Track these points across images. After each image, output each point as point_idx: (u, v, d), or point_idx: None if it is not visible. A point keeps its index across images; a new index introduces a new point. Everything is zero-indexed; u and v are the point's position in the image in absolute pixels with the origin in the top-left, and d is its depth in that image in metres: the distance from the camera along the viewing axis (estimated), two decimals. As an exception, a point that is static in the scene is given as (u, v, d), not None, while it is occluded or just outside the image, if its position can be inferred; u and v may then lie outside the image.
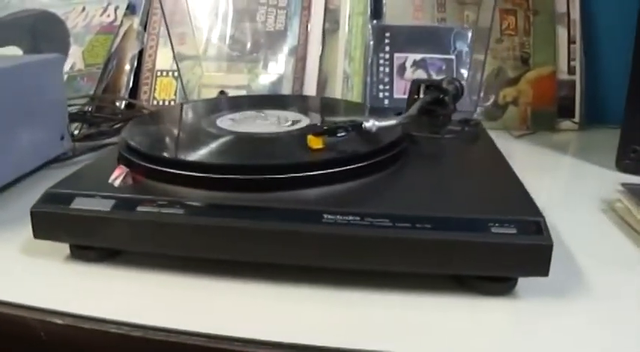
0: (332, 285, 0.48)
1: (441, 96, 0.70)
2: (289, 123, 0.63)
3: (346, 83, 0.98)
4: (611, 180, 0.72)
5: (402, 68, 0.98)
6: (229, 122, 0.64)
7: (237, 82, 0.98)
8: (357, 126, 0.55)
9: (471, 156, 0.63)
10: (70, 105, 0.91)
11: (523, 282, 0.48)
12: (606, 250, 0.56)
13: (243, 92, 0.97)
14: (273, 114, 0.66)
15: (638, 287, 0.49)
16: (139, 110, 0.98)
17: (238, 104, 0.74)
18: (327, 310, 0.46)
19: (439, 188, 0.53)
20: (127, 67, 1.02)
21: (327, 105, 0.79)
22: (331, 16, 1.00)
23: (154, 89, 1.01)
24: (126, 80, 1.02)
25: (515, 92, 0.99)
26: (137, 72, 1.03)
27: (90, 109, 0.95)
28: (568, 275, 0.50)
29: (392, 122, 0.58)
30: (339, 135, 0.54)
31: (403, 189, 0.53)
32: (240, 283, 0.48)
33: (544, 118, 0.98)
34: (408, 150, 0.60)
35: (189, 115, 0.72)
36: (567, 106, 0.99)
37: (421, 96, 0.72)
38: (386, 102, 0.98)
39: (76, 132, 0.88)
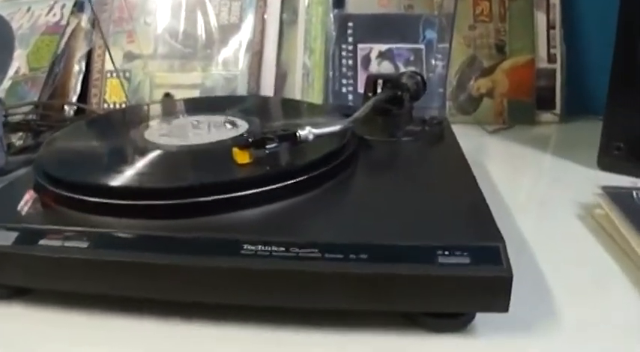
0: (259, 324, 0.41)
1: (398, 93, 0.62)
2: (223, 131, 0.55)
3: (306, 78, 0.90)
4: (592, 181, 0.64)
5: (367, 60, 0.90)
6: (158, 133, 0.56)
7: (190, 81, 0.90)
8: (290, 136, 0.47)
9: (429, 164, 0.55)
10: (11, 115, 0.84)
11: (482, 315, 0.40)
12: (582, 269, 0.48)
13: (196, 92, 0.89)
14: (209, 121, 0.58)
15: (617, 322, 0.41)
16: (89, 115, 0.90)
17: (177, 109, 0.66)
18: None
19: (383, 207, 0.45)
20: (76, 69, 0.94)
21: (275, 107, 0.71)
22: (289, 6, 0.91)
23: (104, 92, 0.93)
24: (74, 83, 0.93)
25: (490, 83, 0.91)
26: (86, 74, 0.95)
27: (34, 117, 0.87)
28: (536, 304, 0.43)
29: (333, 129, 0.50)
30: (268, 147, 0.46)
31: (340, 210, 0.45)
32: (159, 322, 0.41)
33: (522, 111, 0.90)
34: (353, 160, 0.52)
35: (117, 126, 0.64)
36: (547, 97, 0.91)
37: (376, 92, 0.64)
38: (350, 97, 0.90)
39: (19, 143, 0.80)
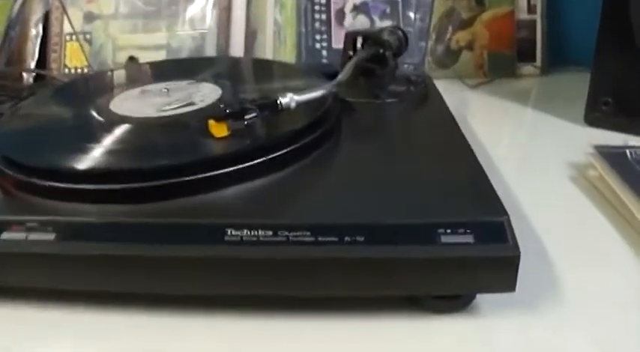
0: (248, 313, 0.37)
1: (381, 51, 0.58)
2: (196, 99, 0.51)
3: (278, 35, 0.85)
4: (580, 138, 0.62)
5: (341, 14, 0.85)
6: (125, 104, 0.51)
7: (155, 42, 0.84)
8: (271, 105, 0.43)
9: (418, 129, 0.52)
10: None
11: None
12: (580, 236, 0.46)
13: (162, 53, 0.83)
14: (178, 87, 0.53)
15: (620, 289, 0.39)
16: (49, 82, 0.84)
17: (143, 75, 0.61)
18: (249, 345, 0.35)
19: (375, 180, 0.41)
20: (33, 33, 0.87)
21: (248, 69, 0.66)
22: (257, -42, 0.85)
23: (64, 56, 0.87)
24: (32, 48, 0.87)
25: (470, 35, 0.87)
26: (44, 38, 0.88)
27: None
28: (536, 276, 0.40)
29: (316, 94, 0.46)
30: (247, 118, 0.42)
31: (329, 185, 0.42)
32: (141, 314, 0.38)
33: (502, 63, 0.87)
34: (337, 127, 0.48)
35: (79, 98, 0.58)
36: (527, 49, 0.87)
37: (357, 51, 0.60)
38: (324, 53, 0.85)
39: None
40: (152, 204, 0.38)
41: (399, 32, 0.61)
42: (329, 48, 0.85)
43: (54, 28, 0.88)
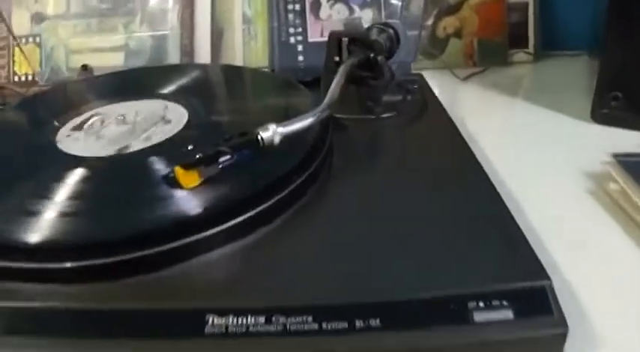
0: None
1: (371, 55, 0.50)
2: (158, 128, 0.42)
3: (248, 31, 0.76)
4: (590, 138, 0.55)
5: (317, 4, 0.77)
6: (74, 137, 0.43)
7: (112, 43, 0.75)
8: (251, 143, 0.35)
9: (421, 151, 0.44)
10: None
11: None
12: (610, 268, 0.39)
13: (120, 56, 0.74)
14: (136, 111, 0.45)
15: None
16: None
17: (97, 91, 0.52)
18: None
19: (383, 233, 0.34)
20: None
21: (218, 81, 0.58)
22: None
23: (13, 62, 0.77)
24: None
25: (458, 21, 0.80)
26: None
27: None
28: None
29: (304, 123, 0.38)
30: (221, 160, 0.34)
31: (328, 246, 0.34)
32: None
33: (493, 51, 0.79)
34: (329, 159, 0.41)
35: (20, 126, 0.49)
36: (519, 34, 0.80)
37: (343, 55, 0.52)
38: (299, 48, 0.77)
39: None
40: (106, 283, 0.31)
41: (390, 30, 0.53)
42: (304, 41, 0.77)
43: (-1, 31, 0.78)
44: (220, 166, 0.34)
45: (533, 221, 0.42)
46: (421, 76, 0.57)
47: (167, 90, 0.49)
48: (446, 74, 0.77)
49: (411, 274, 0.30)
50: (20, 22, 0.77)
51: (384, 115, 0.48)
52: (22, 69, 0.77)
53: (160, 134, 0.41)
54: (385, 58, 0.51)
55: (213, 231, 0.33)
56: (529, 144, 0.59)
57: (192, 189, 0.34)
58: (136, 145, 0.40)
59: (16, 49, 0.77)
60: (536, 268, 0.30)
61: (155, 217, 0.33)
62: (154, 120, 0.43)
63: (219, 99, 0.50)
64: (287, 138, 0.37)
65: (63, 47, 0.74)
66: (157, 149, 0.40)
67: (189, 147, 0.35)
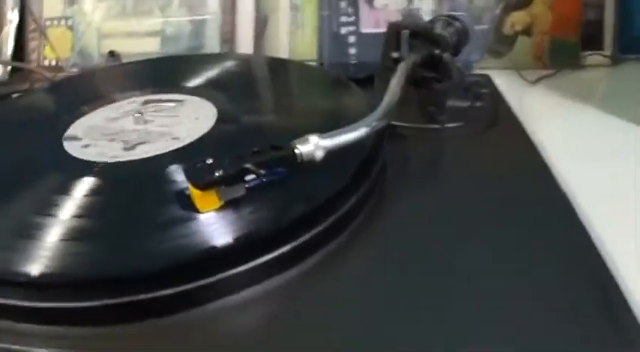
0: None
1: (436, 51, 0.41)
2: (181, 130, 0.35)
3: (294, 19, 0.68)
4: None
5: (372, -9, 0.68)
6: (83, 141, 0.35)
7: (147, 28, 0.68)
8: (285, 158, 0.27)
9: (493, 173, 0.36)
10: None
11: None
12: None
13: (155, 41, 0.67)
14: (157, 108, 0.37)
15: None
16: (27, 76, 0.68)
17: (121, 80, 0.45)
18: None
19: (441, 267, 0.26)
20: (9, 19, 0.71)
21: (257, 76, 0.49)
22: None
23: (44, 45, 0.70)
24: (7, 36, 0.71)
25: (528, 17, 0.70)
26: (21, 25, 0.72)
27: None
28: None
29: (355, 134, 0.30)
30: (248, 179, 0.26)
31: (381, 282, 0.26)
32: None
33: (565, 52, 0.69)
34: (382, 179, 0.33)
35: (28, 123, 0.42)
36: (593, 34, 0.69)
37: (403, 50, 0.44)
38: (351, 39, 0.68)
39: None
40: (114, 326, 0.23)
41: (457, 23, 0.45)
42: (357, 33, 0.68)
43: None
44: (247, 186, 0.26)
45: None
46: (488, 77, 0.48)
47: (196, 83, 0.41)
48: (512, 75, 0.67)
49: (484, 327, 0.22)
50: (52, 4, 0.70)
51: (449, 125, 0.39)
52: (53, 53, 0.70)
53: (184, 136, 0.34)
54: (452, 56, 0.42)
55: (244, 267, 0.25)
56: (604, 159, 0.50)
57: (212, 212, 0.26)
58: (153, 149, 0.33)
59: (48, 31, 0.70)
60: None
61: (173, 249, 0.25)
62: (178, 119, 0.36)
63: (254, 98, 0.42)
64: (334, 153, 0.29)
65: (95, 31, 0.67)
66: (179, 155, 0.32)
67: (209, 161, 0.27)
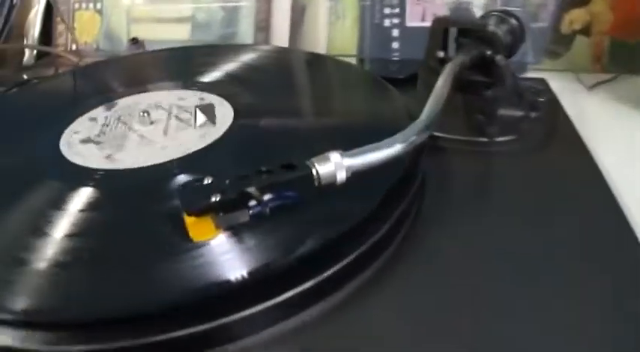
0: None
1: (488, 53, 0.36)
2: (188, 133, 0.30)
3: (334, 9, 0.63)
4: None
5: (419, -18, 0.62)
6: (82, 138, 0.31)
7: (178, 13, 0.63)
8: (301, 179, 0.22)
9: (548, 192, 0.30)
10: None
11: None
12: None
13: (186, 28, 0.62)
14: (169, 104, 0.33)
15: None
16: (55, 61, 0.65)
17: (135, 72, 0.40)
18: None
19: (492, 309, 0.21)
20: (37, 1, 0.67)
21: (287, 72, 0.44)
22: None
23: (73, 28, 0.67)
24: (35, 20, 0.67)
25: (588, 16, 0.63)
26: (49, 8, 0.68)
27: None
28: None
29: (388, 152, 0.24)
30: (251, 205, 0.21)
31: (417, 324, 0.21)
32: None
33: (626, 55, 0.62)
34: (419, 200, 0.27)
35: (30, 117, 0.38)
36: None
37: (450, 49, 0.38)
38: (394, 33, 0.63)
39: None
40: None
41: (512, 20, 0.39)
42: (401, 26, 0.63)
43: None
44: (251, 213, 0.22)
45: None
46: (545, 83, 0.42)
47: (215, 78, 0.36)
48: (567, 78, 0.61)
49: None
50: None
51: (500, 138, 0.34)
52: (82, 37, 0.66)
53: (194, 140, 0.29)
54: (505, 58, 0.36)
55: (258, 308, 0.20)
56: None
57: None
58: (157, 155, 0.28)
59: (77, 15, 0.66)
60: None
61: (176, 285, 0.21)
62: (188, 120, 0.31)
63: (278, 98, 0.37)
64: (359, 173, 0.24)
65: (124, 15, 0.63)
66: (186, 163, 0.27)
67: (207, 181, 0.22)
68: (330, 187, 0.23)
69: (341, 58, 0.50)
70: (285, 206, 0.23)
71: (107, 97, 0.36)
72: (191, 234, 0.22)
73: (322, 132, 0.31)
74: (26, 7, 0.68)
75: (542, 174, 0.32)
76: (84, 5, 0.66)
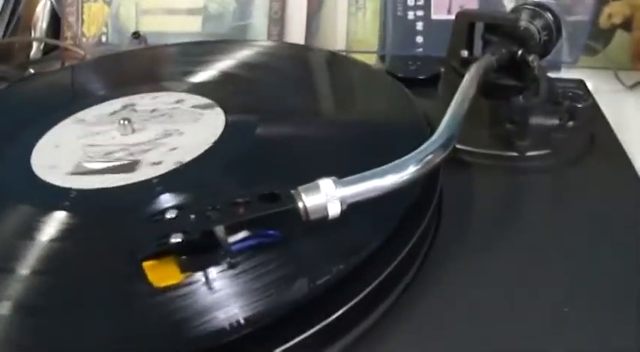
0: None
1: (519, 52, 0.30)
2: (177, 144, 0.26)
3: (355, 0, 0.58)
4: None
5: (445, -29, 0.57)
6: (53, 151, 0.27)
7: (189, 5, 0.59)
8: (281, 215, 0.17)
9: (584, 216, 0.25)
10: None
11: None
12: None
13: (197, 20, 0.58)
14: (154, 108, 0.28)
15: None
16: (63, 54, 0.61)
17: (127, 72, 0.36)
18: None
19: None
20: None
21: (294, 73, 0.38)
22: None
23: (82, 21, 0.63)
24: (42, 10, 0.63)
25: (628, 8, 0.57)
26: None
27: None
28: None
29: (393, 180, 0.19)
30: (232, 242, 0.17)
31: None
32: None
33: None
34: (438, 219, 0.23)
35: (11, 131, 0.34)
36: None
37: (476, 49, 0.33)
38: (418, 26, 0.57)
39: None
40: None
41: (547, 14, 0.33)
42: (426, 19, 0.57)
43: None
44: (222, 254, 0.17)
45: None
46: (584, 85, 0.36)
47: (208, 80, 0.32)
48: (607, 76, 0.55)
49: None
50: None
51: (532, 153, 0.28)
52: (90, 30, 0.62)
53: (180, 152, 0.24)
54: (540, 56, 0.31)
55: None
56: None
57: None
58: (139, 171, 0.24)
59: (85, 6, 0.62)
60: None
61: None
62: (175, 129, 0.26)
63: (276, 102, 0.32)
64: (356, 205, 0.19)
65: (134, 7, 0.59)
66: (171, 179, 0.23)
67: (169, 215, 0.17)
68: (322, 221, 0.19)
69: (352, 55, 0.45)
70: (264, 245, 0.18)
71: (94, 99, 0.32)
72: (150, 278, 0.17)
73: (323, 145, 0.26)
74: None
75: (581, 195, 0.27)
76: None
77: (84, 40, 0.63)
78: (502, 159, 0.29)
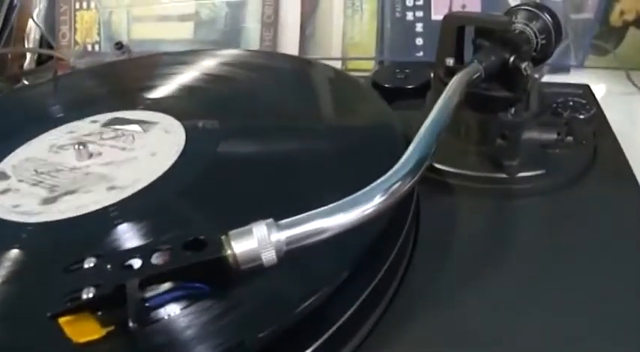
0: None
1: (511, 59, 0.27)
2: (134, 168, 0.23)
3: (351, 1, 0.55)
4: None
5: (445, -31, 0.53)
6: (19, 176, 0.24)
7: (180, 10, 0.56)
8: (208, 265, 0.14)
9: (583, 249, 0.21)
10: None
11: None
12: None
13: (188, 26, 0.55)
14: (113, 131, 0.25)
15: None
16: (56, 64, 0.59)
17: (99, 87, 0.33)
18: None
19: None
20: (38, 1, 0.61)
21: (252, 87, 0.34)
22: None
23: (74, 29, 0.60)
24: (37, 21, 0.61)
25: (641, 5, 0.53)
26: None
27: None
28: None
29: (349, 217, 0.16)
30: (148, 297, 0.14)
31: None
32: None
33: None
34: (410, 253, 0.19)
35: None
36: None
37: (467, 55, 0.30)
38: (418, 28, 0.54)
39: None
40: None
41: (546, 15, 0.30)
42: (426, 20, 0.54)
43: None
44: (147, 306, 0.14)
45: None
46: (589, 92, 0.32)
47: (167, 94, 0.29)
48: (619, 78, 0.51)
49: None
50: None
51: (523, 174, 0.25)
52: (82, 38, 0.60)
53: (127, 182, 0.21)
54: (535, 64, 0.28)
55: None
56: None
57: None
58: (96, 199, 0.21)
59: (78, 15, 0.60)
60: None
61: None
62: (132, 153, 0.23)
63: (241, 120, 0.28)
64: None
65: (125, 14, 0.56)
66: (125, 209, 0.20)
67: (88, 264, 0.15)
68: (258, 268, 0.15)
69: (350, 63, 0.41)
70: (189, 296, 0.15)
71: (58, 119, 0.29)
72: (69, 334, 0.15)
73: (285, 168, 0.23)
74: (28, 9, 0.62)
75: (579, 225, 0.23)
76: (85, 5, 0.59)
77: (76, 48, 0.60)
78: (490, 181, 0.25)
